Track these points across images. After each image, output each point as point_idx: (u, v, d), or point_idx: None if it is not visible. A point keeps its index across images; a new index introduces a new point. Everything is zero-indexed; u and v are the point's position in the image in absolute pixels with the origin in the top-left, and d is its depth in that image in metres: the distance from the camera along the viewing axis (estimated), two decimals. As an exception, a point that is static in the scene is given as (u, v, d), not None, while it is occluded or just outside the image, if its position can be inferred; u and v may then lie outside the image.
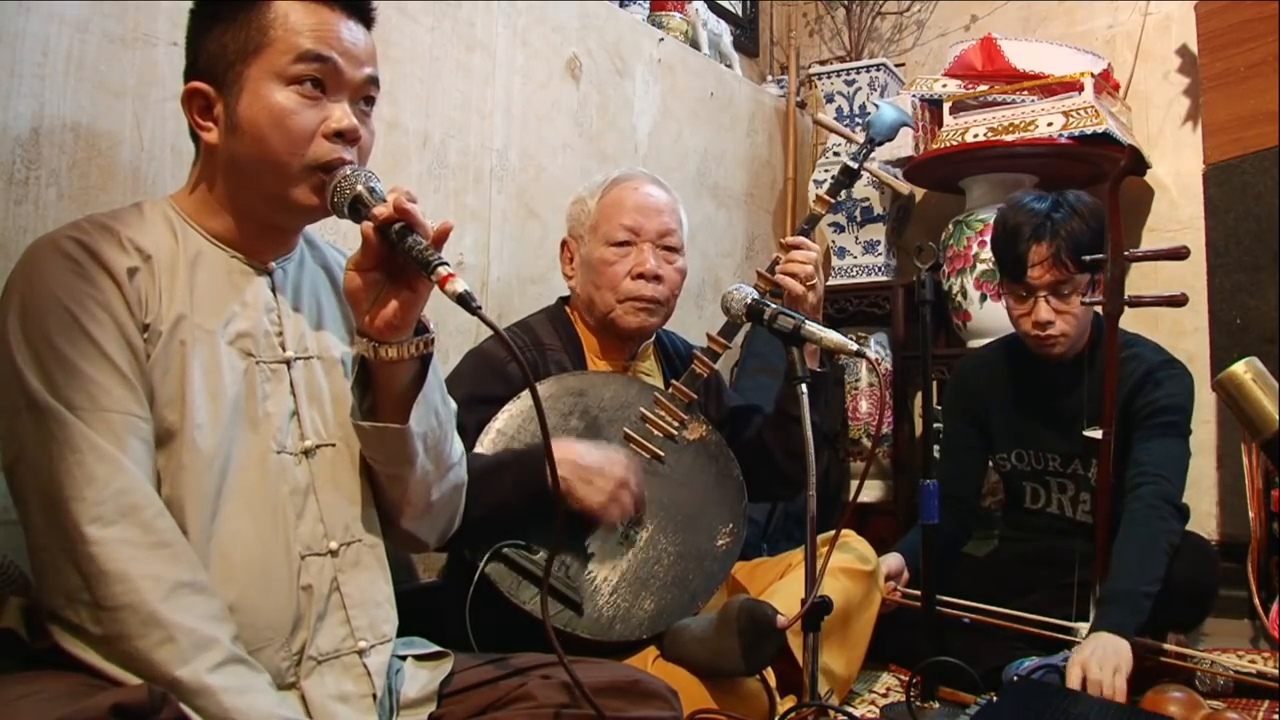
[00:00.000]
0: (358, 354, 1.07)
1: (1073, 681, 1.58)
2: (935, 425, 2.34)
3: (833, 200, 1.76)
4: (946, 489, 1.98)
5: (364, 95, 1.10)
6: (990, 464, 2.23)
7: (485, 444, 1.52)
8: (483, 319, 0.94)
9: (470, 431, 1.51)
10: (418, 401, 1.07)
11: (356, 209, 1.03)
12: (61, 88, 1.37)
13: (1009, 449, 2.11)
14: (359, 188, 1.03)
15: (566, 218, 1.79)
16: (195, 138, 1.10)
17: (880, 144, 1.81)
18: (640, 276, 1.67)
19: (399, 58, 1.87)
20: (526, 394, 1.57)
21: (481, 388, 1.56)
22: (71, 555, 0.91)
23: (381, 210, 0.99)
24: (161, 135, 1.48)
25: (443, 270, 0.94)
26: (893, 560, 1.98)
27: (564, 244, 1.78)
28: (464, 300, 0.93)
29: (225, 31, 1.05)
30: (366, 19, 1.12)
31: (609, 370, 1.72)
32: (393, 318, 1.03)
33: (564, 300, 1.81)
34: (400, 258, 0.99)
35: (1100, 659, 1.57)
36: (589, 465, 1.45)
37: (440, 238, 0.99)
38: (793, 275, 1.68)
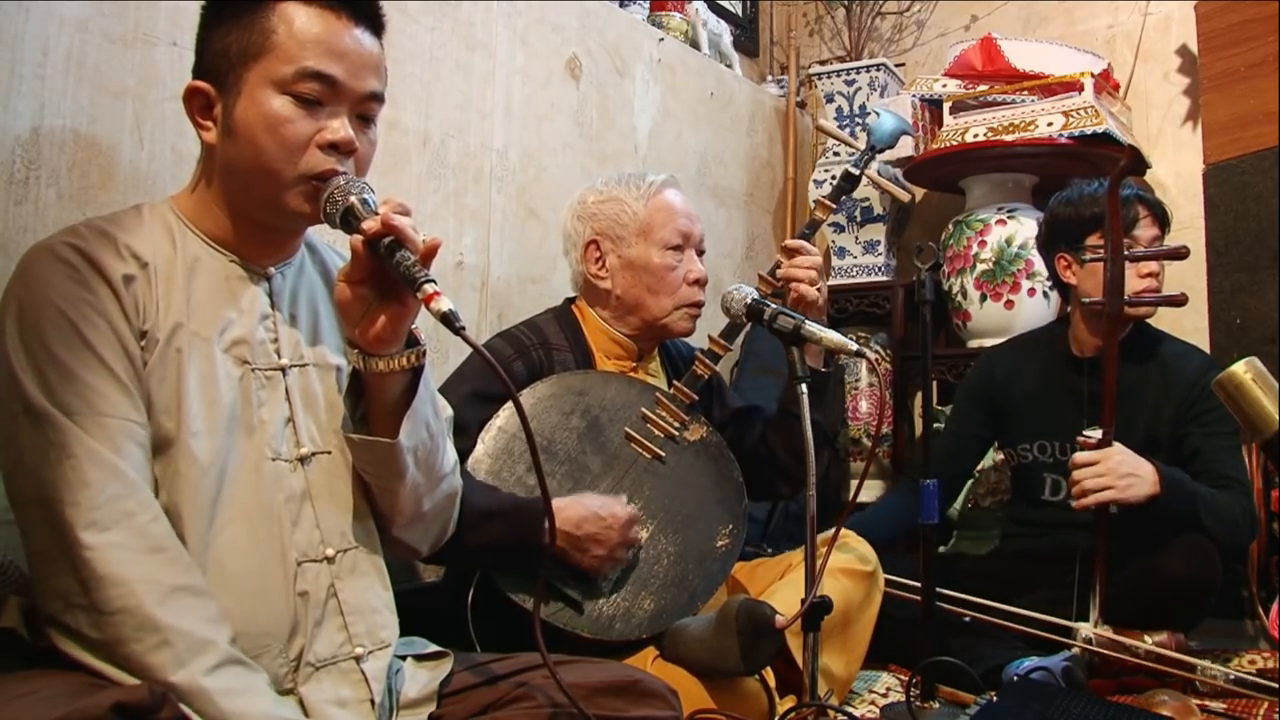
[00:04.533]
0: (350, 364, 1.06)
1: (1081, 458, 1.78)
2: (935, 425, 2.33)
3: (834, 206, 1.76)
4: (934, 467, 2.00)
5: (364, 110, 1.08)
6: (1002, 457, 2.24)
7: (487, 441, 1.52)
8: (466, 339, 0.93)
9: (472, 428, 1.51)
10: (408, 416, 1.06)
11: (348, 221, 1.02)
12: (61, 88, 1.37)
13: (1030, 440, 2.12)
14: (351, 199, 1.02)
15: (589, 216, 1.74)
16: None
17: (881, 151, 1.82)
18: (695, 282, 1.72)
19: (399, 58, 1.87)
20: (528, 392, 1.57)
21: (485, 385, 1.56)
22: (67, 560, 0.91)
23: (370, 225, 0.98)
24: (161, 135, 1.48)
25: (429, 288, 0.93)
26: None
27: (591, 244, 1.73)
28: (448, 320, 0.92)
29: (230, 32, 1.04)
30: (376, 25, 1.10)
31: (613, 370, 1.72)
32: (382, 331, 1.02)
33: (570, 300, 1.81)
34: (390, 272, 0.99)
35: (1125, 469, 1.75)
36: (585, 536, 1.44)
37: (429, 253, 0.98)
38: (799, 279, 1.69)
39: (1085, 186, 2.05)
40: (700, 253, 1.76)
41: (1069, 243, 2.04)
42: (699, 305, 1.73)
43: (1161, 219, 2.02)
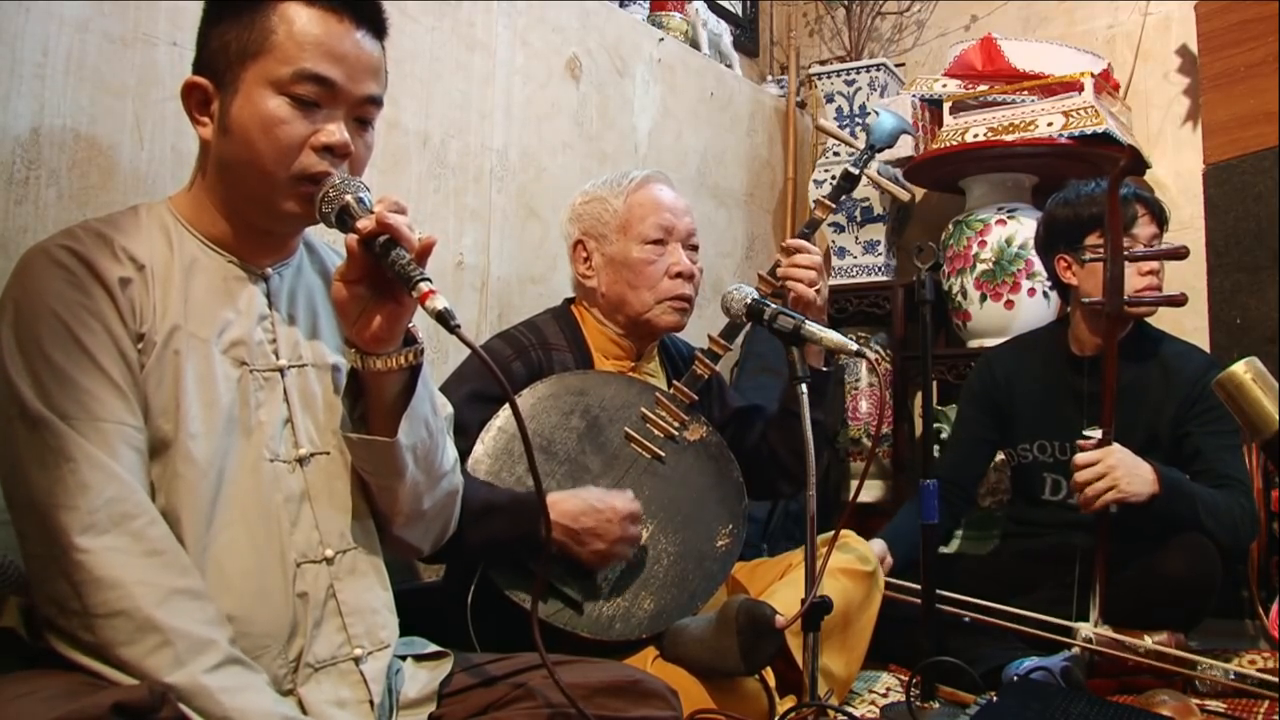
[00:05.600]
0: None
1: (1083, 458, 1.79)
2: (935, 425, 2.34)
3: (834, 205, 1.76)
4: (947, 474, 2.00)
5: (362, 113, 1.08)
6: (1003, 457, 2.24)
7: (486, 441, 1.52)
8: (461, 338, 0.93)
9: (472, 429, 1.51)
10: (406, 414, 1.06)
11: (344, 220, 1.02)
12: (61, 88, 1.37)
13: (1030, 440, 2.12)
14: (347, 198, 1.02)
15: (576, 217, 1.76)
16: None
17: (881, 151, 1.81)
18: (678, 275, 1.69)
19: (399, 58, 1.87)
20: (527, 392, 1.58)
21: (485, 385, 1.56)
22: (62, 564, 0.90)
23: (364, 224, 0.98)
24: (161, 135, 1.48)
25: (424, 286, 0.93)
26: (876, 546, 1.97)
27: (578, 244, 1.75)
28: (443, 318, 0.92)
29: (230, 29, 1.04)
30: (378, 28, 1.09)
31: (612, 370, 1.72)
32: (379, 330, 1.02)
33: (569, 301, 1.81)
34: (385, 271, 0.98)
35: (1126, 469, 1.76)
36: (582, 529, 1.43)
37: (424, 251, 0.98)
38: (798, 279, 1.68)
39: (1082, 187, 2.04)
40: (691, 247, 1.74)
41: (1068, 243, 2.04)
42: (683, 298, 1.70)
43: (1159, 217, 2.02)
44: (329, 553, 1.08)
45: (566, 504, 1.44)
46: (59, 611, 0.91)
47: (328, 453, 1.11)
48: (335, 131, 1.04)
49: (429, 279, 0.94)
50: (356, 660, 1.06)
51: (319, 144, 1.04)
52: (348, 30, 1.05)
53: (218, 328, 1.06)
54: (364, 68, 1.07)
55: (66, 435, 0.93)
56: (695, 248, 1.75)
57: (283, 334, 1.11)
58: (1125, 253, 1.78)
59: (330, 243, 1.25)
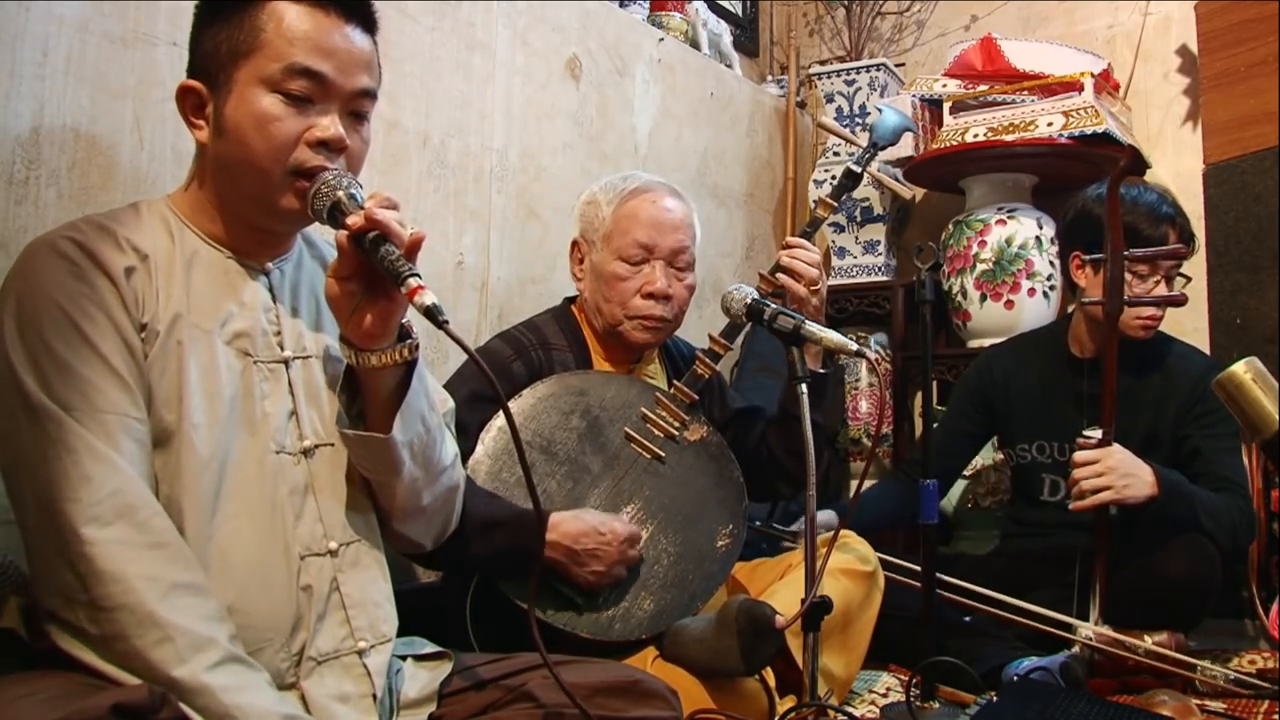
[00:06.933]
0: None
1: (1081, 458, 1.79)
2: (935, 425, 2.34)
3: (835, 204, 1.75)
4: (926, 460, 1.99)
5: (356, 107, 1.08)
6: (1002, 457, 2.24)
7: (487, 442, 1.52)
8: (449, 334, 0.93)
9: (472, 430, 1.51)
10: (401, 411, 1.06)
11: (335, 216, 1.02)
12: (61, 88, 1.37)
13: (1029, 440, 2.12)
14: (339, 194, 1.02)
15: (578, 216, 1.76)
16: None
17: (883, 148, 1.81)
18: (650, 295, 1.65)
19: (399, 58, 1.87)
20: (528, 392, 1.58)
21: (484, 386, 1.55)
22: (67, 556, 0.91)
23: (354, 220, 0.98)
24: (161, 135, 1.48)
25: (413, 282, 0.94)
26: (824, 515, 1.95)
27: (575, 244, 1.76)
28: (431, 313, 0.92)
29: (221, 31, 1.04)
30: (368, 23, 1.10)
31: (612, 370, 1.72)
32: (372, 326, 1.02)
33: (569, 300, 1.81)
34: (376, 267, 0.98)
35: (1124, 471, 1.75)
36: (583, 551, 1.43)
37: (414, 247, 0.98)
38: (796, 275, 1.67)
39: (1124, 190, 1.96)
40: (679, 266, 1.69)
41: (1088, 244, 1.98)
42: (654, 319, 1.66)
43: (1187, 245, 1.96)
44: (333, 545, 1.08)
45: (568, 525, 1.43)
46: (65, 603, 0.91)
47: (332, 444, 1.11)
48: (329, 126, 1.05)
49: (418, 274, 0.95)
50: (360, 653, 1.06)
51: (313, 139, 1.04)
52: (336, 24, 1.06)
53: (220, 319, 1.06)
54: (355, 61, 1.07)
55: (69, 427, 0.93)
56: (685, 266, 1.70)
57: (287, 325, 1.11)
58: (1125, 253, 1.78)
59: (329, 240, 1.25)
